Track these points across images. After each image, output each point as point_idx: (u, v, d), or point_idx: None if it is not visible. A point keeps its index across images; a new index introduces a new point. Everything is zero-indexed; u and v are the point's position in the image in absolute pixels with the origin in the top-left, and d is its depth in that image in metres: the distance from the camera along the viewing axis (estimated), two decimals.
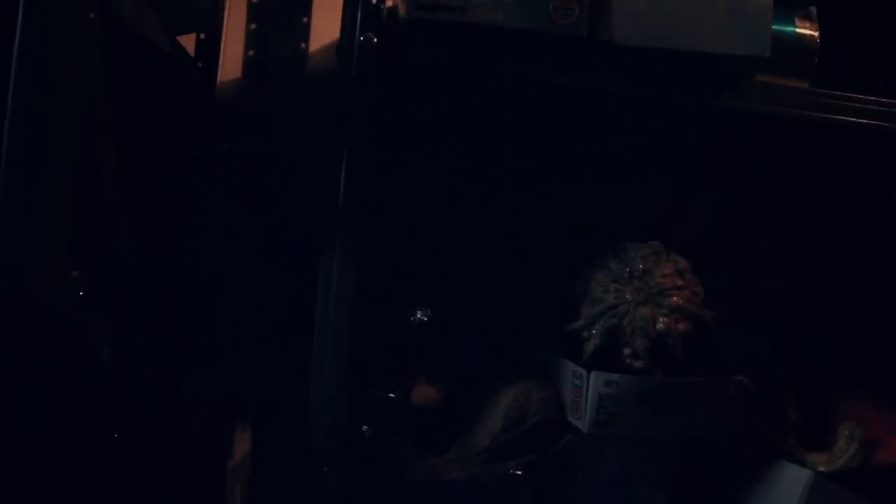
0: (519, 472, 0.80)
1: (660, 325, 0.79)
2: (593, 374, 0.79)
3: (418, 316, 0.94)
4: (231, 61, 1.07)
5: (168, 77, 0.95)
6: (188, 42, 1.04)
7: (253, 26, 1.04)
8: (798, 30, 0.88)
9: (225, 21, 1.03)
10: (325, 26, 1.02)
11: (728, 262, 0.99)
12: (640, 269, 0.82)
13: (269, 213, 1.02)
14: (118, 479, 0.81)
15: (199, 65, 1.04)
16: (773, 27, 0.83)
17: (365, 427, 0.80)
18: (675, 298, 0.80)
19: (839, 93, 0.86)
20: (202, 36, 1.03)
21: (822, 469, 0.86)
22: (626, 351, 0.82)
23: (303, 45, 1.09)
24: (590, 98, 0.83)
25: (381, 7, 0.80)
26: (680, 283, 0.81)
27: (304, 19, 1.05)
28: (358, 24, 0.78)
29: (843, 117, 0.87)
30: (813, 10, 0.91)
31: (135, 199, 0.81)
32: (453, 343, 0.95)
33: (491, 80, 0.80)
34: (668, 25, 0.78)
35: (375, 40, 0.78)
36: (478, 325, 0.96)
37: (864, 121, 0.87)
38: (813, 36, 0.89)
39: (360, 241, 0.78)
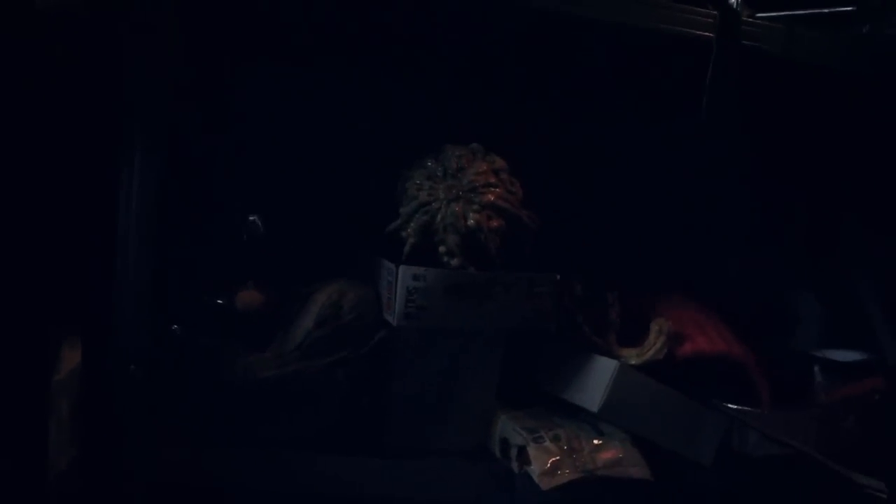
0: (340, 369, 0.81)
1: (471, 222, 0.80)
2: (401, 267, 0.80)
3: (247, 222, 0.94)
4: None
5: None
6: None
7: None
8: None
9: None
10: None
11: (556, 168, 1.02)
12: (454, 168, 0.83)
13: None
14: None
15: None
16: None
17: (175, 326, 0.79)
18: (487, 196, 0.81)
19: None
20: None
21: (633, 362, 0.90)
22: (442, 249, 0.83)
23: None
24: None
25: None
26: (493, 180, 0.82)
27: None
28: None
29: (658, 25, 0.90)
30: None
31: None
32: (285, 248, 0.96)
33: None
34: None
35: None
36: (309, 231, 0.95)
37: (678, 28, 0.91)
38: None
39: (166, 135, 0.76)
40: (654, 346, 0.89)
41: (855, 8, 0.92)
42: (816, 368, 1.02)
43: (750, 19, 0.94)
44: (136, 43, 0.79)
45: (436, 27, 0.96)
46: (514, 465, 0.85)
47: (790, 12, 0.96)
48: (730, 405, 0.92)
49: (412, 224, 0.82)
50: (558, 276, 0.85)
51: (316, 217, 0.97)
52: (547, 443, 0.84)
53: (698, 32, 0.91)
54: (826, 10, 0.93)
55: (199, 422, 0.82)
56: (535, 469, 0.81)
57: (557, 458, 0.82)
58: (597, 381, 0.86)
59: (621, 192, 1.08)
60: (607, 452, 0.84)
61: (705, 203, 1.13)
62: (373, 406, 0.88)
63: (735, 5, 0.95)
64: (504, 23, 0.95)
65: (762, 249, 1.18)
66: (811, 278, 1.18)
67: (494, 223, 0.82)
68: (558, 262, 0.97)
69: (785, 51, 0.95)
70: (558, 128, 1.01)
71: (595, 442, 0.85)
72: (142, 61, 0.78)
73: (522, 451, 0.84)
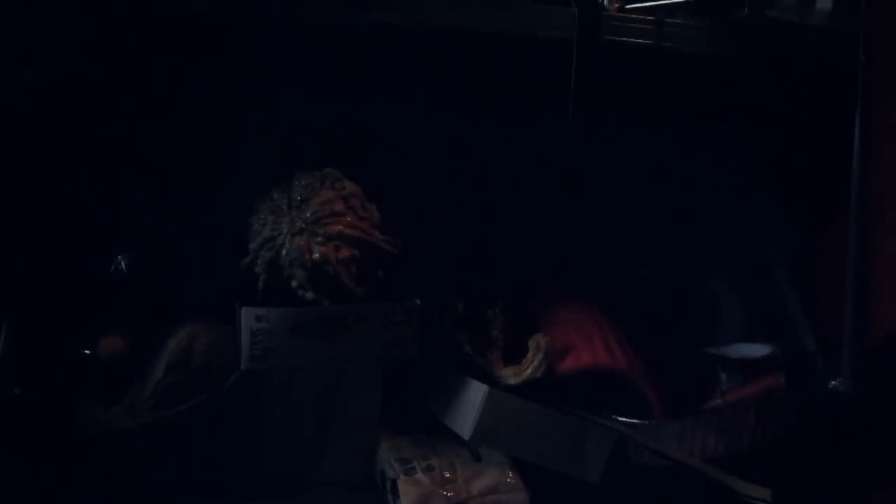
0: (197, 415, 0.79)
1: (315, 255, 0.77)
2: (243, 309, 0.77)
3: (115, 264, 0.91)
4: None
5: None
6: None
7: None
8: None
9: None
10: None
11: (424, 186, 0.98)
12: (298, 199, 0.80)
13: None
14: None
15: None
16: None
17: (17, 389, 0.76)
18: (334, 226, 0.78)
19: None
20: None
21: (512, 381, 0.87)
22: (293, 283, 0.80)
23: None
24: (242, 26, 0.79)
25: None
26: (339, 208, 0.79)
27: None
28: None
29: (515, 28, 0.85)
30: None
31: None
32: (155, 289, 0.92)
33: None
34: None
35: None
36: (180, 271, 0.92)
37: (537, 31, 0.86)
38: None
39: None
40: (531, 363, 0.86)
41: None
42: (718, 368, 0.99)
43: (617, 13, 0.91)
44: None
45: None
46: (389, 499, 0.83)
47: (660, 1, 0.92)
48: (619, 418, 0.89)
49: (259, 261, 0.79)
50: (418, 301, 0.82)
51: (190, 253, 0.94)
52: (418, 474, 0.81)
53: (559, 33, 0.87)
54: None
55: (59, 483, 0.80)
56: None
57: (427, 490, 0.79)
58: (468, 406, 0.83)
59: (512, 199, 1.05)
60: (483, 480, 0.81)
61: (606, 202, 1.09)
62: (246, 446, 0.85)
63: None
64: (364, 37, 0.91)
65: (673, 242, 1.14)
66: (728, 269, 1.15)
67: (344, 253, 0.79)
68: (444, 277, 0.95)
69: (655, 43, 0.90)
70: (435, 140, 0.97)
71: (471, 470, 0.82)
72: None
73: (395, 484, 0.82)
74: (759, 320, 1.11)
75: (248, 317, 0.76)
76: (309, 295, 0.80)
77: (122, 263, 0.91)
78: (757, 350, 1.03)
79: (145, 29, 0.86)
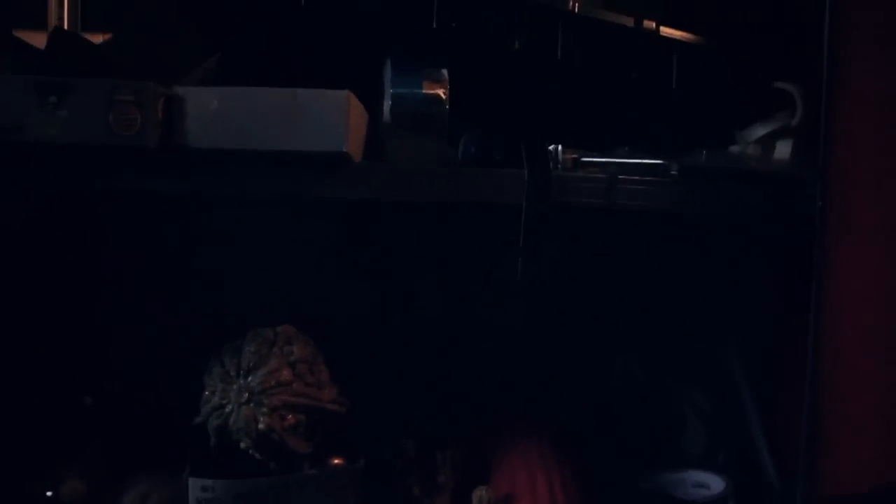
0: None
1: (261, 426, 0.80)
2: (190, 480, 0.80)
3: (80, 405, 0.95)
4: None
5: None
6: None
7: None
8: (425, 91, 0.89)
9: None
10: None
11: (376, 330, 1.01)
12: (246, 367, 0.83)
13: None
14: None
15: None
16: (401, 89, 0.86)
17: None
18: (279, 396, 0.81)
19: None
20: None
21: None
22: (242, 445, 0.83)
23: None
24: (179, 202, 0.82)
25: None
26: (286, 377, 0.82)
27: None
28: None
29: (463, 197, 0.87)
30: (444, 72, 0.91)
31: None
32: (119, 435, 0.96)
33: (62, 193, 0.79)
34: (243, 127, 0.77)
35: None
36: (141, 417, 0.96)
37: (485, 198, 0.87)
38: (440, 96, 0.89)
39: None
40: None
41: (666, 162, 0.88)
42: None
43: (569, 173, 0.91)
44: None
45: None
46: None
47: (613, 160, 0.92)
48: None
49: (209, 426, 0.83)
50: (363, 462, 0.85)
51: (150, 401, 0.97)
52: None
53: (507, 198, 0.88)
54: (645, 161, 0.90)
55: None
56: None
57: None
58: None
59: (468, 326, 1.08)
60: None
61: (566, 323, 1.12)
62: None
63: (552, 155, 0.92)
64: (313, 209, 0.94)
65: (639, 358, 1.16)
66: (694, 389, 1.16)
67: (290, 421, 0.82)
68: (398, 416, 0.97)
69: (607, 201, 0.91)
70: (388, 290, 1.00)
71: None
72: None
73: None
74: (722, 441, 1.13)
75: (194, 487, 0.80)
76: (257, 456, 0.84)
77: (87, 402, 0.95)
78: (711, 481, 1.05)
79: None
